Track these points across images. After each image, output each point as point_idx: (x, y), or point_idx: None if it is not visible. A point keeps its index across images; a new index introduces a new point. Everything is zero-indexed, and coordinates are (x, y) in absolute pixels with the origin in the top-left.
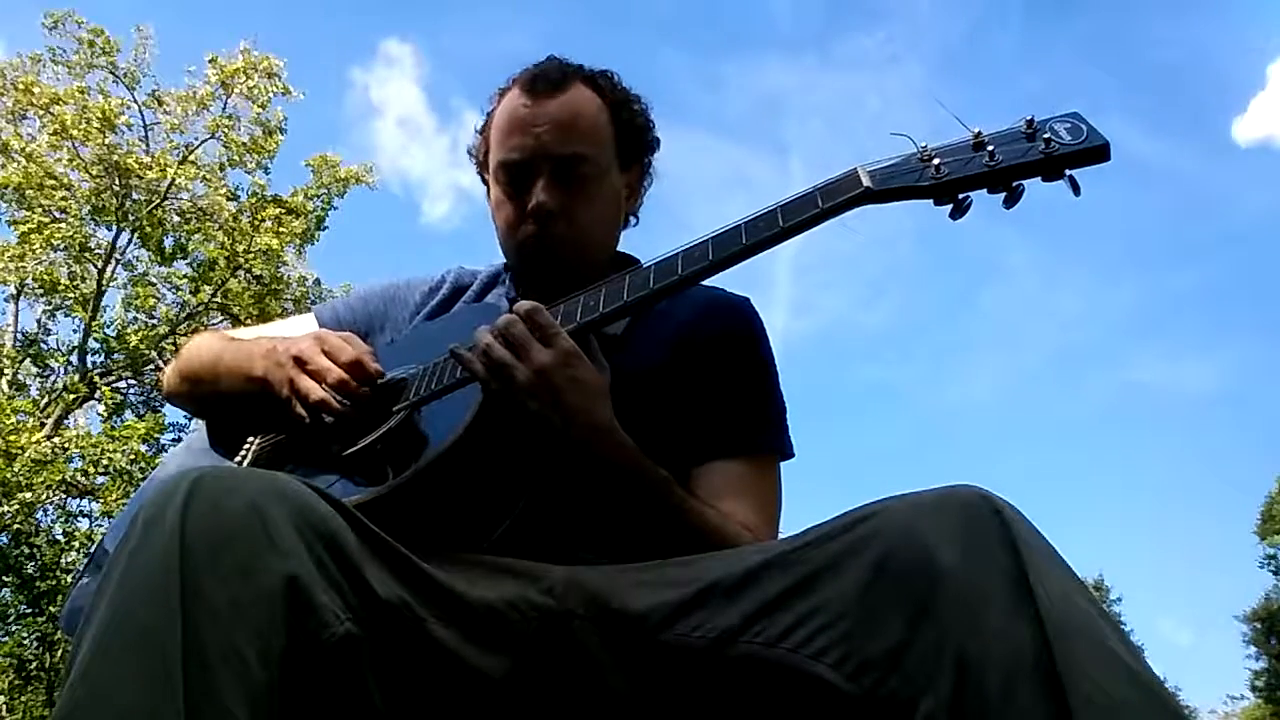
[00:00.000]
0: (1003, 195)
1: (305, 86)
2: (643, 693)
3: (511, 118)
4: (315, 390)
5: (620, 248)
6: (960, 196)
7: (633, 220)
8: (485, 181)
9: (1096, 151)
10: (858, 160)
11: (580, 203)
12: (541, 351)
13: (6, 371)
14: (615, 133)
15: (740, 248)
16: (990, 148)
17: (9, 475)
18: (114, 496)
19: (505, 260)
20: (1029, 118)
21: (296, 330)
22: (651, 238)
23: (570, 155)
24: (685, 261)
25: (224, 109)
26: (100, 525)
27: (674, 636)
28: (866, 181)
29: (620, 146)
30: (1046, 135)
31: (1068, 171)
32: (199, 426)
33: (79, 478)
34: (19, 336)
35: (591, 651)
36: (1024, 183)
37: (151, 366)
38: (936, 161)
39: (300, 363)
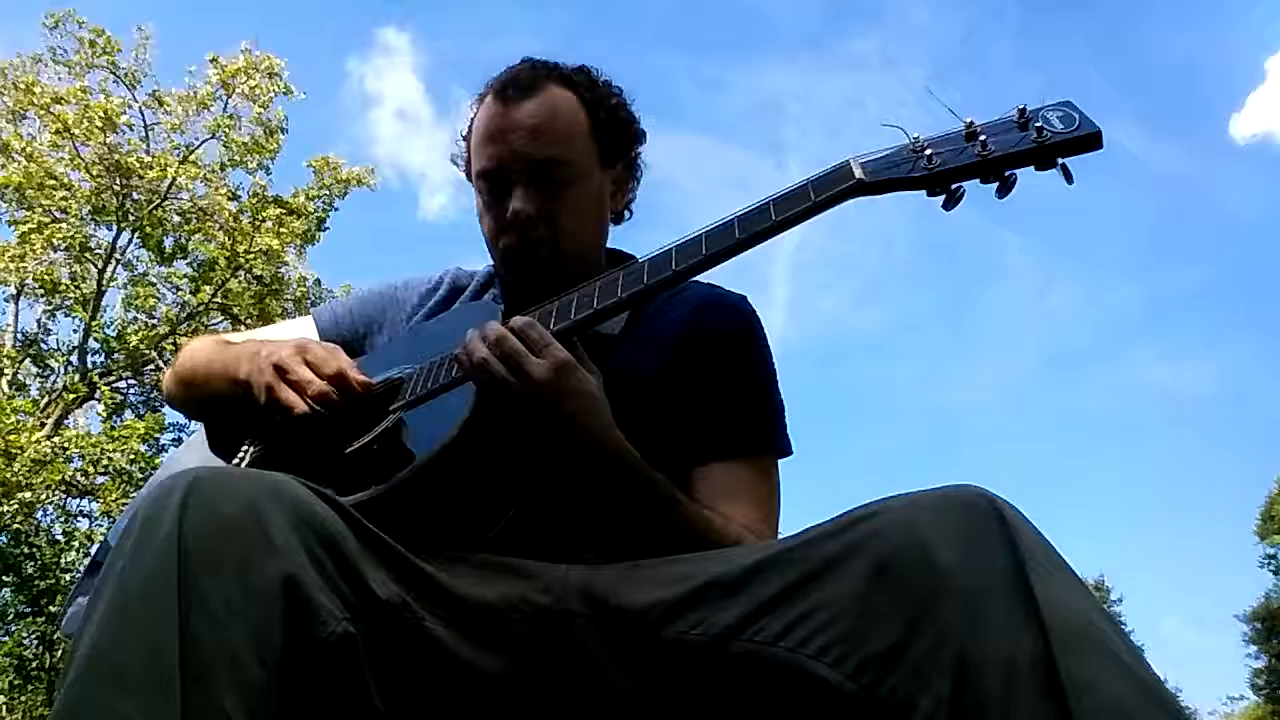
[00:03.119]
0: (995, 185)
1: (300, 77)
2: (643, 691)
3: (486, 126)
4: (295, 401)
5: (619, 248)
6: (953, 187)
7: (627, 215)
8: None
9: (1089, 139)
10: None
11: (559, 206)
12: (537, 365)
13: (6, 371)
14: (593, 130)
15: (734, 241)
16: (983, 137)
17: (9, 475)
18: (114, 496)
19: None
20: (1021, 106)
21: (294, 333)
22: (650, 239)
23: (545, 159)
24: (679, 257)
25: (225, 109)
26: (100, 525)
27: (673, 634)
28: (859, 173)
29: (600, 144)
30: (1039, 124)
31: (1060, 160)
32: (200, 427)
33: (79, 478)
34: (19, 336)
35: (591, 650)
36: (1016, 172)
37: (151, 366)
38: (929, 152)
39: (280, 371)
